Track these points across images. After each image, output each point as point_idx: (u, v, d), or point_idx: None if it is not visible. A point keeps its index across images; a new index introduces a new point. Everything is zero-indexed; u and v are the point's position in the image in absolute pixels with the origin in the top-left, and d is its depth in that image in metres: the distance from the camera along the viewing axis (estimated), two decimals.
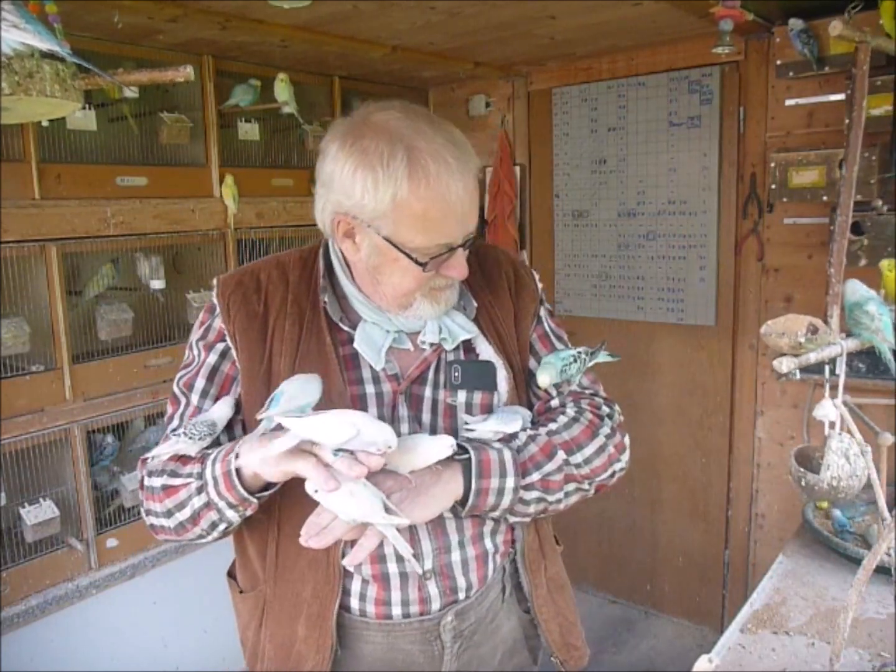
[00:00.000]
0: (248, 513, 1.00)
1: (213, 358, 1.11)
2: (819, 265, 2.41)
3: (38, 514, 2.03)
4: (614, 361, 1.24)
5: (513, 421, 1.09)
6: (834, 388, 1.27)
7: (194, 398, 1.10)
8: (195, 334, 1.14)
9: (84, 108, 2.08)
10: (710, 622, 2.92)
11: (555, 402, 1.19)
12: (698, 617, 2.96)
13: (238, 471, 0.95)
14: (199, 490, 0.99)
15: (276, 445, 0.90)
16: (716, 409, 2.80)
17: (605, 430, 1.14)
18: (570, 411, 1.15)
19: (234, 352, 1.10)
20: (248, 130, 2.58)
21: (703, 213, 2.70)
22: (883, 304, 1.29)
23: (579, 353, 1.17)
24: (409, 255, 1.00)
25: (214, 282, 1.15)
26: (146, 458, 1.10)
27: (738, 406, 2.73)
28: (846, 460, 1.21)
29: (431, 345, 1.12)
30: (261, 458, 0.92)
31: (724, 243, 2.68)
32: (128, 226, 2.21)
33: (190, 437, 1.01)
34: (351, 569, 1.08)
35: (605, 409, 1.19)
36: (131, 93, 2.12)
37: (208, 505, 0.99)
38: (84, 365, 2.14)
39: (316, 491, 0.90)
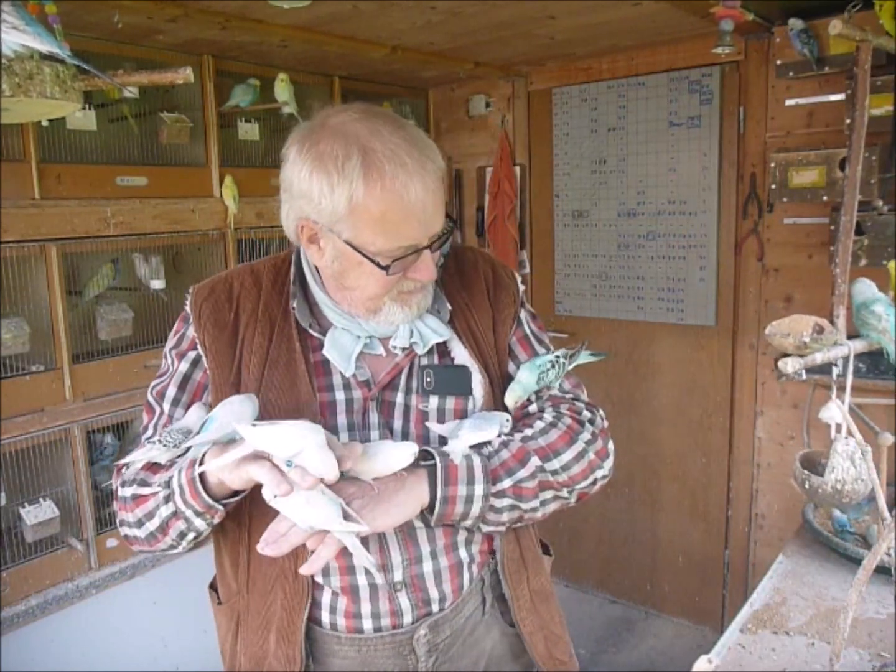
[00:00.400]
0: (216, 521, 0.99)
1: (184, 366, 1.10)
2: (819, 265, 2.41)
3: (38, 514, 2.03)
4: (597, 361, 1.21)
5: (488, 426, 1.04)
6: (840, 389, 1.27)
7: (167, 407, 1.09)
8: (169, 343, 1.14)
9: (84, 108, 2.08)
10: (710, 622, 2.92)
11: (533, 408, 1.15)
12: (698, 617, 2.96)
13: (203, 478, 0.95)
14: (167, 499, 0.99)
15: (230, 455, 0.90)
16: (716, 409, 2.80)
17: (585, 435, 1.10)
18: (548, 416, 1.11)
19: (205, 360, 1.09)
20: (248, 130, 2.58)
21: (703, 213, 2.70)
22: (890, 305, 1.29)
23: (557, 357, 1.13)
24: (370, 259, 0.98)
25: (189, 290, 1.14)
26: (121, 467, 1.10)
27: (738, 406, 2.73)
28: (851, 463, 1.20)
29: (404, 349, 1.09)
30: (219, 467, 0.92)
31: (724, 243, 2.68)
32: (128, 226, 2.21)
33: (164, 445, 1.00)
34: (320, 580, 1.07)
35: (587, 414, 1.14)
36: (131, 93, 2.12)
37: (176, 514, 0.98)
38: (84, 365, 2.14)
39: (275, 496, 0.89)
